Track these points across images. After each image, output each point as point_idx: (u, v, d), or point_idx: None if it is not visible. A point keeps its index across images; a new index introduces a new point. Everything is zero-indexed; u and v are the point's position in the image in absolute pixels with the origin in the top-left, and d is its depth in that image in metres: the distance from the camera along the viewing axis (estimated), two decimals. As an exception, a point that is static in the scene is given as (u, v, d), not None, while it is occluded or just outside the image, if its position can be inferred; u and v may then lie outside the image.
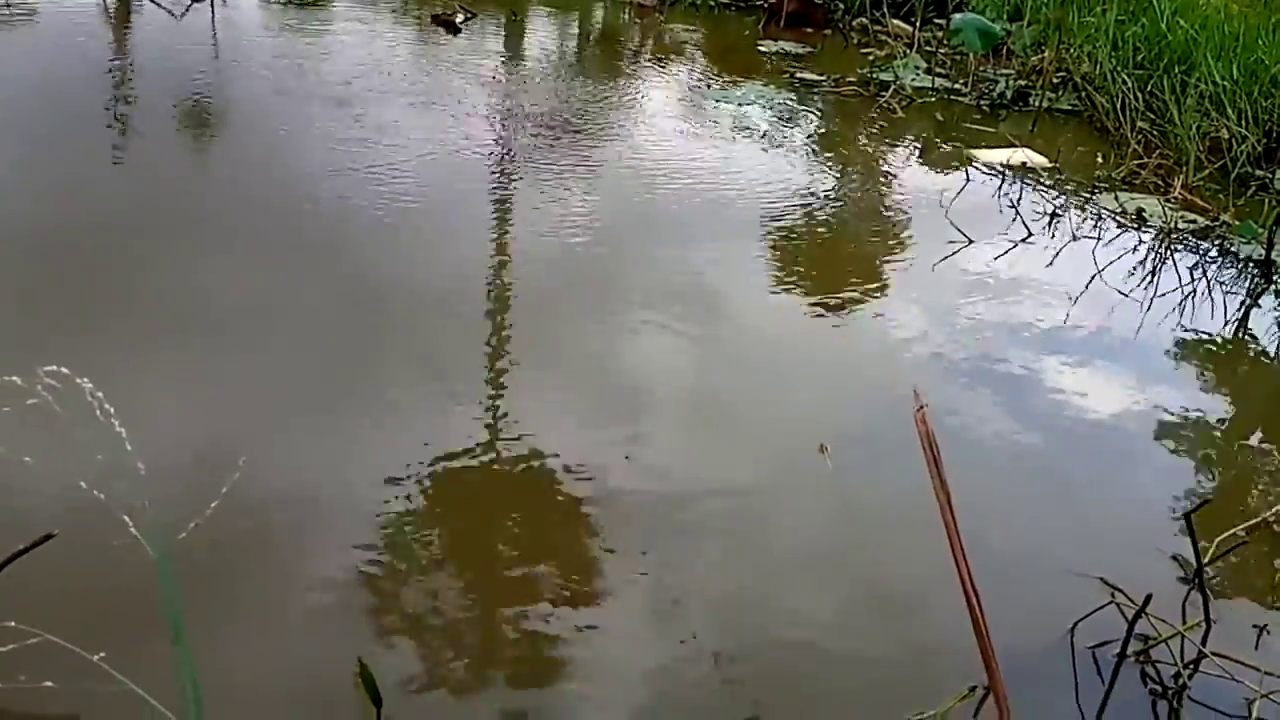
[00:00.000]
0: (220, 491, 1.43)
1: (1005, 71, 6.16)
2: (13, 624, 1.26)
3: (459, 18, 6.25)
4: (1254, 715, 1.94)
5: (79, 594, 1.88)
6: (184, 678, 0.95)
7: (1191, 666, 2.05)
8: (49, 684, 1.23)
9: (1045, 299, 3.71)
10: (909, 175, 4.88)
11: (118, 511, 1.19)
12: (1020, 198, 4.55)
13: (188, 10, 5.87)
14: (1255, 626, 2.25)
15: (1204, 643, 2.06)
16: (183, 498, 1.65)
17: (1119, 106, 5.29)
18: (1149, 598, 1.96)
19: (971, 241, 4.03)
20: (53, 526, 1.39)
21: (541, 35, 6.73)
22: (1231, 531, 2.36)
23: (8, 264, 3.12)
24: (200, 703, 0.94)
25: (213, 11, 5.85)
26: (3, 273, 3.07)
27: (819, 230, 4.11)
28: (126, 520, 1.12)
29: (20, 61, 4.98)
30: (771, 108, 5.42)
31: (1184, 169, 4.73)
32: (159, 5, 5.91)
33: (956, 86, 6.01)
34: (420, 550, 2.22)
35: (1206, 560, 2.16)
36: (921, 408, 1.27)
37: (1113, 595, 2.20)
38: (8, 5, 5.51)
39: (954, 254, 3.96)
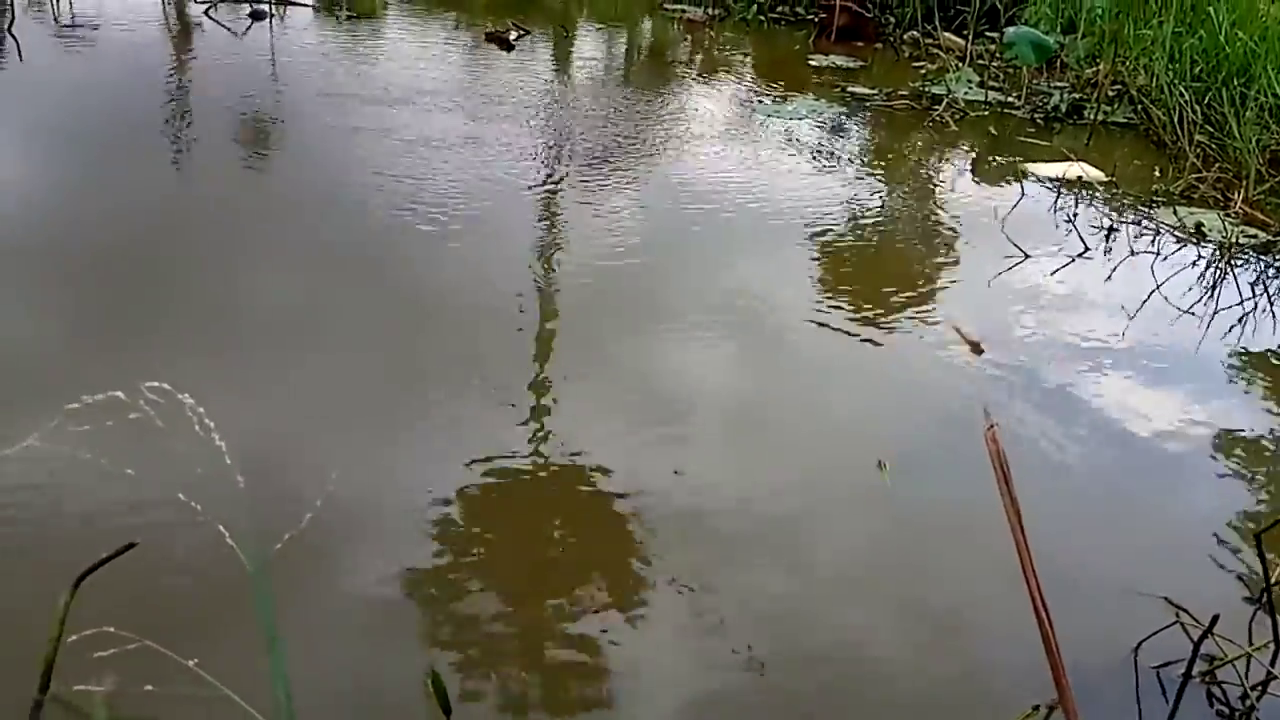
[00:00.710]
0: (315, 504, 1.47)
1: (1059, 84, 6.13)
2: (111, 629, 1.30)
3: (513, 35, 6.32)
4: (1325, 738, 1.91)
5: (177, 599, 1.93)
6: (277, 687, 0.98)
7: (1260, 688, 2.02)
8: (149, 688, 1.27)
9: (1102, 314, 3.68)
10: (962, 189, 4.86)
11: (214, 523, 1.23)
12: (1076, 212, 4.52)
13: (249, 29, 5.99)
14: (1323, 648, 2.22)
15: (1273, 664, 2.03)
16: (274, 510, 1.69)
17: (1176, 119, 5.24)
18: (1216, 618, 1.94)
19: (1028, 256, 4.01)
20: (146, 536, 1.43)
21: (591, 51, 6.79)
22: (1299, 551, 2.32)
23: (72, 275, 3.21)
24: (292, 712, 0.97)
25: (271, 30, 5.96)
26: (69, 285, 3.16)
27: (871, 246, 4.11)
28: (223, 531, 1.16)
29: (84, 77, 5.12)
30: (822, 123, 5.43)
31: (1244, 182, 4.67)
32: (219, 23, 6.04)
33: (1010, 100, 5.98)
34: (469, 562, 2.24)
35: (1275, 579, 2.13)
36: (992, 426, 1.28)
37: (1177, 615, 2.18)
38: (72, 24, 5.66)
39: (1010, 269, 3.94)
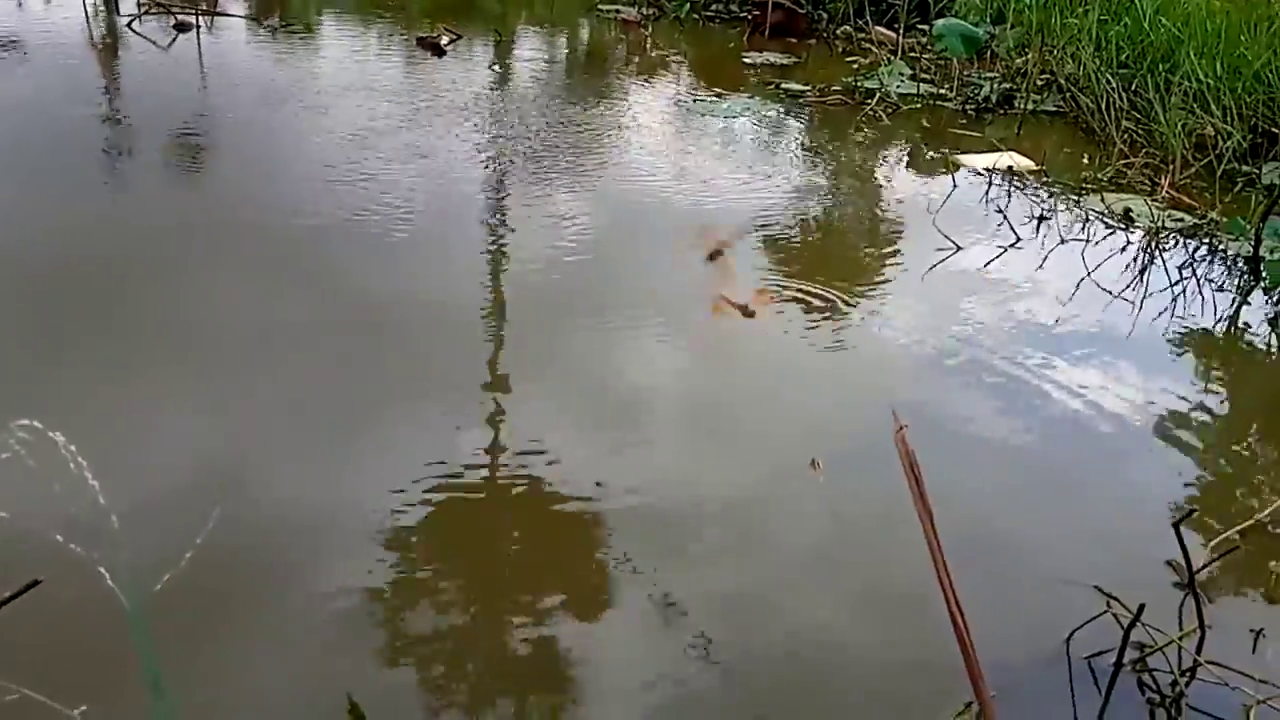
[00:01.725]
0: (196, 542, 1.43)
1: (990, 75, 6.18)
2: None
3: (444, 40, 6.27)
4: (1250, 722, 1.93)
5: (60, 648, 1.88)
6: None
7: (1188, 675, 2.04)
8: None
9: (1035, 302, 3.71)
10: (897, 183, 4.89)
11: (95, 564, 1.18)
12: (1008, 202, 4.55)
13: (174, 41, 5.89)
14: (1252, 631, 2.24)
15: (1199, 649, 2.05)
16: (168, 544, 1.64)
17: (1104, 107, 5.30)
18: (1142, 607, 1.95)
19: (959, 248, 4.03)
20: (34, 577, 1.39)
21: (527, 54, 6.75)
22: (1225, 535, 2.35)
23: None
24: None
25: (199, 40, 5.86)
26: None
27: (808, 240, 4.11)
28: (103, 573, 1.12)
29: (7, 93, 5.00)
30: (758, 120, 5.43)
31: (1170, 167, 4.73)
32: (144, 37, 5.93)
33: (941, 92, 6.02)
34: (423, 566, 2.22)
35: (1199, 567, 2.15)
36: (901, 429, 1.27)
37: (1108, 604, 2.19)
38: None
39: (943, 261, 3.96)
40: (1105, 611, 2.16)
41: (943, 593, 1.25)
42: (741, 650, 2.12)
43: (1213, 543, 2.38)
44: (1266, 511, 2.51)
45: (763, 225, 4.16)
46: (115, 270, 3.42)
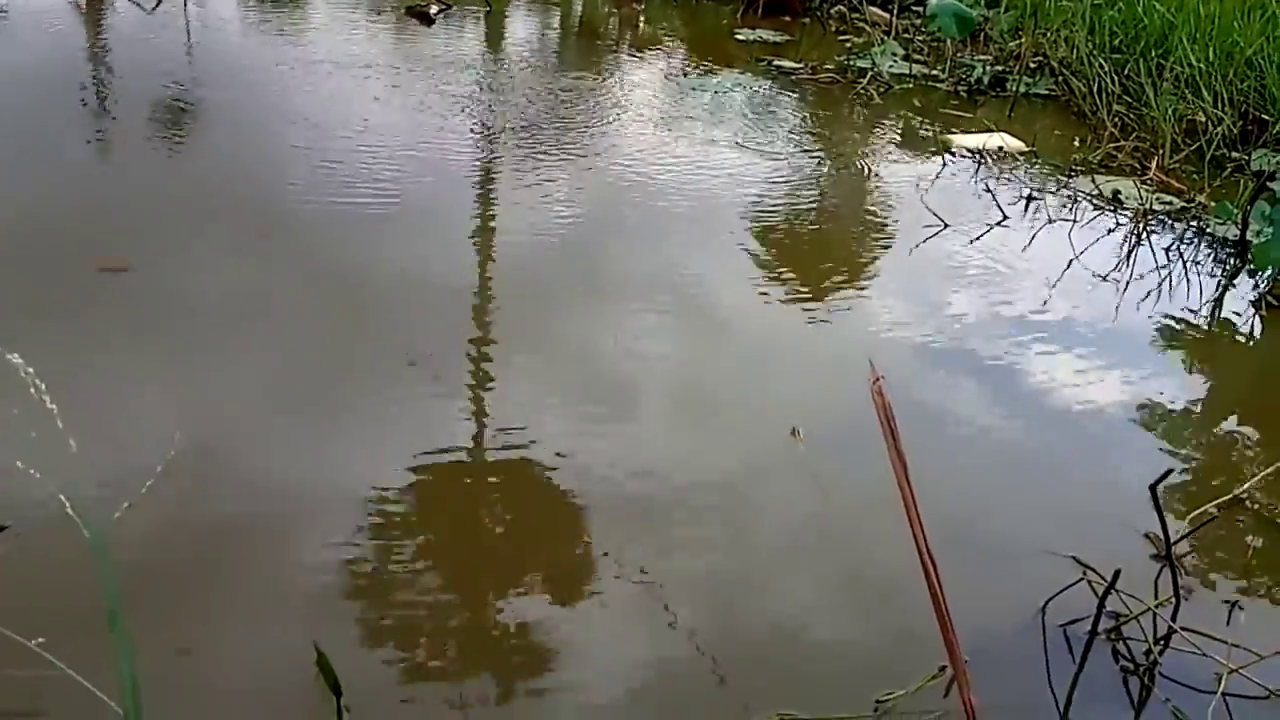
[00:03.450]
0: (156, 471, 1.41)
1: (982, 57, 6.16)
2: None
3: (433, 9, 6.22)
4: (1221, 689, 1.93)
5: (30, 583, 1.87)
6: (121, 664, 0.93)
7: (1162, 643, 2.04)
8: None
9: (1021, 282, 3.71)
10: (887, 162, 4.87)
11: (56, 495, 1.17)
12: (997, 182, 4.54)
13: (159, 4, 5.83)
14: (1227, 602, 2.25)
15: (1174, 618, 2.05)
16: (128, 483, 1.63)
17: (1095, 90, 5.29)
18: (1117, 573, 1.96)
19: (947, 225, 4.02)
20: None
21: (520, 27, 6.70)
22: (1204, 508, 2.35)
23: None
24: (136, 690, 0.92)
25: (185, 4, 5.81)
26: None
27: (797, 218, 4.10)
28: (64, 500, 1.10)
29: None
30: (749, 96, 5.40)
31: (1160, 151, 4.73)
32: (132, 1, 5.87)
33: (934, 73, 6.00)
34: (403, 544, 2.21)
35: (1179, 537, 2.16)
36: (878, 379, 1.26)
37: (1084, 573, 2.19)
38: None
39: (930, 239, 3.95)
40: (1080, 580, 2.17)
41: (914, 541, 1.25)
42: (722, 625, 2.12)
43: (1191, 515, 2.39)
44: (1245, 486, 2.52)
45: (753, 202, 4.15)
46: (93, 234, 3.38)
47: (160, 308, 2.97)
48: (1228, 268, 3.99)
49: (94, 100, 4.56)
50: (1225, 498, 2.47)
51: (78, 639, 1.25)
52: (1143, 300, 3.71)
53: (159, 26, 5.57)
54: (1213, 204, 4.30)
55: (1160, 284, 3.83)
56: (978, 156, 4.78)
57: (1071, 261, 3.90)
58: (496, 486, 2.44)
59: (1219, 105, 4.91)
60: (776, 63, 5.96)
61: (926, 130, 5.19)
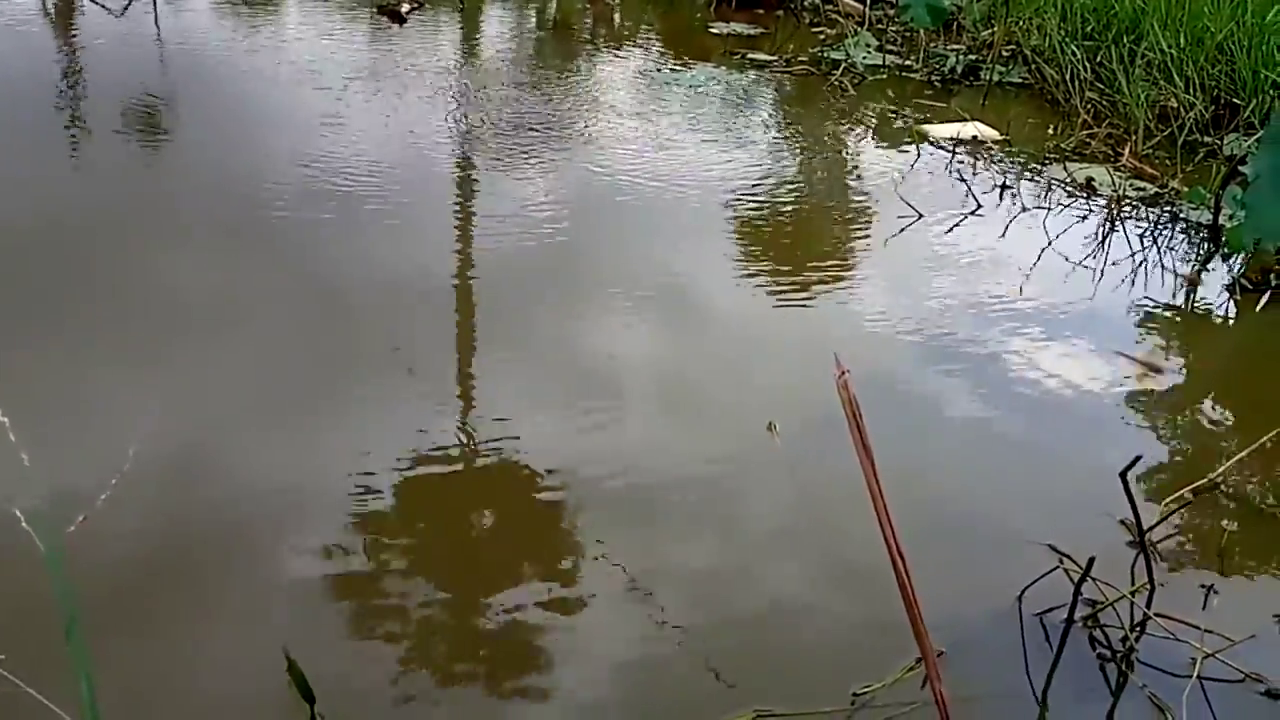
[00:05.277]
0: (111, 483, 1.40)
1: (955, 47, 6.16)
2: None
3: (404, 7, 6.18)
4: (1196, 673, 1.94)
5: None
6: (79, 679, 0.92)
7: (1138, 629, 2.05)
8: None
9: (996, 270, 3.72)
10: (862, 153, 4.88)
11: (11, 508, 1.15)
12: (972, 171, 4.55)
13: (127, 6, 5.78)
14: (1203, 587, 2.26)
15: (1149, 605, 2.06)
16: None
17: (1068, 78, 5.30)
18: (1092, 561, 1.96)
19: (921, 216, 4.03)
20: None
21: (494, 24, 6.67)
22: (1178, 494, 2.36)
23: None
24: (95, 706, 0.91)
25: (155, 7, 5.76)
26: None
27: (773, 210, 4.09)
28: (18, 515, 1.09)
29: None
30: (724, 90, 5.40)
31: (1133, 138, 4.74)
32: (98, 4, 5.81)
33: (908, 63, 6.00)
34: (389, 544, 2.20)
35: (1153, 523, 2.16)
36: (843, 374, 1.25)
37: (1060, 561, 2.20)
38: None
39: (905, 229, 3.95)
40: (1056, 568, 2.17)
41: (882, 535, 1.24)
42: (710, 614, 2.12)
43: (1166, 500, 2.39)
44: (1219, 471, 2.53)
45: (729, 195, 4.14)
46: (65, 237, 3.36)
47: (138, 310, 2.95)
48: (1201, 252, 4.01)
49: (65, 99, 4.53)
50: (1200, 482, 2.48)
51: (36, 655, 1.23)
52: (1118, 286, 3.72)
53: (126, 30, 5.53)
54: (1186, 189, 4.32)
55: (1135, 269, 3.84)
56: (952, 146, 4.79)
57: (1046, 249, 3.91)
58: (476, 481, 2.44)
59: (1191, 91, 4.93)
60: (751, 56, 5.95)
61: (901, 121, 5.19)
